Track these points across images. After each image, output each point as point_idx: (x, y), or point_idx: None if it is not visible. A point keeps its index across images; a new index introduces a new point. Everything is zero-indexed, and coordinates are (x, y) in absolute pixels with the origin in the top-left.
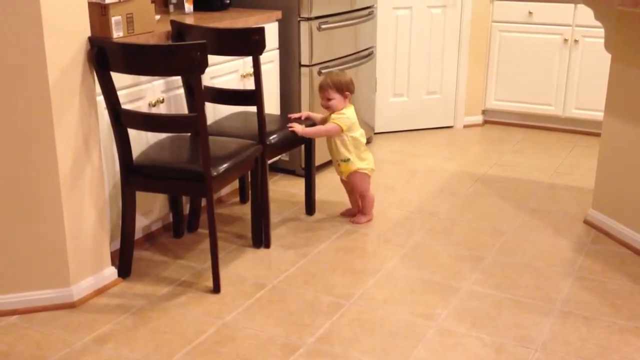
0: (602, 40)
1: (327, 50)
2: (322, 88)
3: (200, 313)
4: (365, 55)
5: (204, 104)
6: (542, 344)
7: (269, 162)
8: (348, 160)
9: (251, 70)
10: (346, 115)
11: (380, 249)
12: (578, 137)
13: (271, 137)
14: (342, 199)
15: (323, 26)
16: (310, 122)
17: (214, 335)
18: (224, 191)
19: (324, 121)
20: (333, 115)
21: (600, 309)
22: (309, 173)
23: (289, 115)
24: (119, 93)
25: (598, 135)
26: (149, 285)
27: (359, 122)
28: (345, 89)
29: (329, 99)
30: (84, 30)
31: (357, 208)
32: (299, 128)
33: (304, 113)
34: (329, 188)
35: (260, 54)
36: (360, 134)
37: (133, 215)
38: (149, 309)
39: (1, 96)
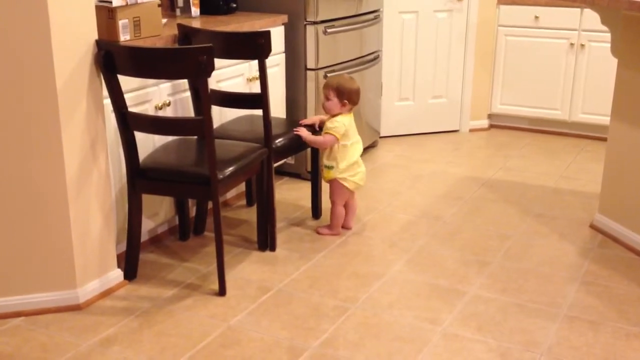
0: (609, 45)
1: (333, 54)
2: (326, 86)
3: (205, 316)
4: (371, 59)
5: (210, 107)
6: (548, 349)
7: (275, 165)
8: (331, 167)
9: (257, 73)
10: (340, 122)
11: (385, 253)
12: (584, 142)
13: (277, 141)
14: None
15: (329, 30)
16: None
17: (219, 338)
18: (230, 194)
19: (322, 123)
20: (327, 125)
21: (606, 314)
22: (315, 176)
23: (300, 122)
24: (125, 96)
25: (604, 139)
26: (155, 287)
27: (365, 126)
28: (345, 96)
29: (328, 99)
30: (91, 33)
31: (346, 218)
32: (304, 132)
33: (315, 119)
34: None
35: (266, 57)
36: (354, 142)
37: (139, 218)
38: (155, 311)
39: (9, 99)
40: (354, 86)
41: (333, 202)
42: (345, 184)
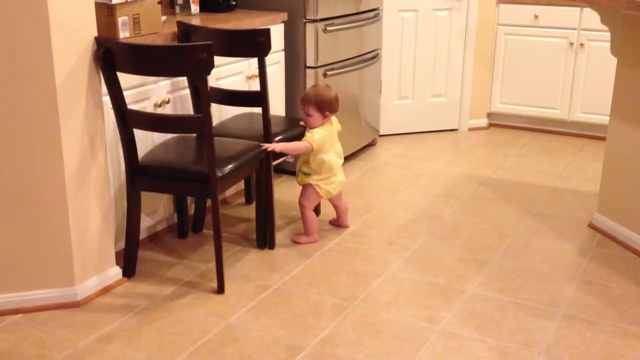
0: (608, 44)
1: (333, 53)
2: (304, 101)
3: (204, 313)
4: (371, 57)
5: (209, 105)
6: (546, 348)
7: (274, 163)
8: (308, 174)
9: (256, 71)
10: (319, 134)
11: (384, 251)
12: (583, 141)
13: (276, 139)
14: (347, 202)
15: (329, 28)
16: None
17: (218, 336)
18: (229, 192)
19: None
20: (307, 133)
21: (605, 313)
22: None
23: (301, 123)
24: (125, 93)
25: (603, 139)
26: (153, 285)
27: (364, 125)
28: (326, 108)
29: (308, 114)
30: (91, 30)
31: (340, 219)
32: (277, 146)
33: None
34: None
35: (266, 55)
36: (333, 155)
37: (138, 216)
38: (153, 309)
39: (8, 96)
40: (332, 94)
41: (302, 207)
42: (318, 190)
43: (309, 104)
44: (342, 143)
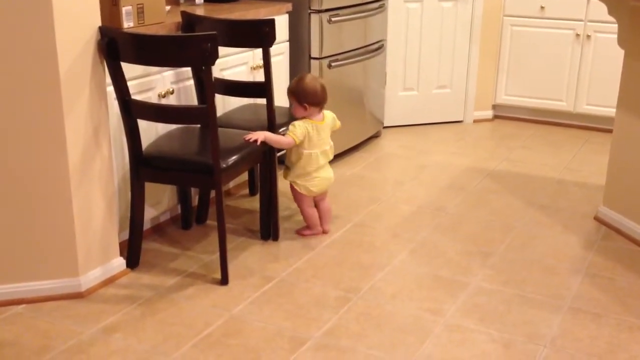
0: (615, 36)
1: (337, 43)
2: (288, 90)
3: (208, 305)
4: (376, 48)
5: (213, 96)
6: (551, 341)
7: (278, 154)
8: (288, 168)
9: (261, 62)
10: (302, 127)
11: (388, 243)
12: (589, 133)
13: (281, 130)
14: (351, 193)
15: (333, 19)
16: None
17: (222, 328)
18: (233, 183)
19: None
20: (290, 127)
21: (610, 307)
22: None
23: None
24: (129, 84)
25: (609, 131)
26: (157, 276)
27: (369, 116)
28: (303, 99)
29: (291, 103)
30: (95, 20)
31: (320, 221)
32: (260, 136)
33: None
34: (337, 182)
35: (270, 46)
36: (318, 153)
37: (142, 207)
38: (157, 300)
39: (12, 86)
40: (310, 85)
41: (298, 206)
42: (297, 187)
43: (289, 93)
44: (346, 134)
